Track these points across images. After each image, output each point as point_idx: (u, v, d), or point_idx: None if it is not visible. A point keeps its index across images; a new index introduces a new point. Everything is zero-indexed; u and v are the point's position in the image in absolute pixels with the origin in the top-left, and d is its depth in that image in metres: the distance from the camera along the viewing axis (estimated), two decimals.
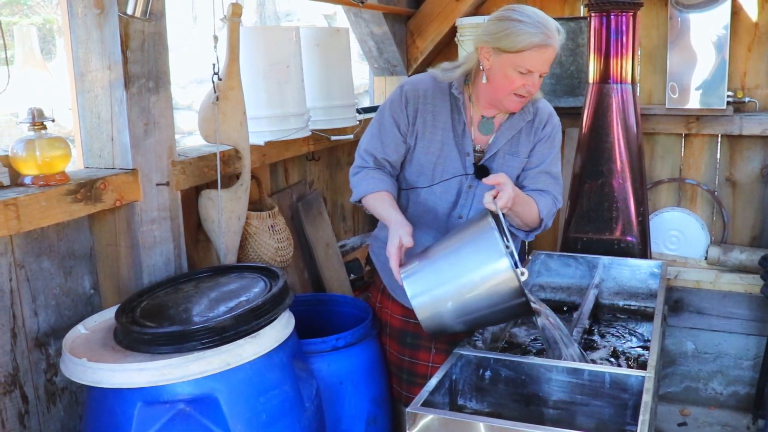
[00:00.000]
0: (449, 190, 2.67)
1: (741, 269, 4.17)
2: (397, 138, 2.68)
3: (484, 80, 2.55)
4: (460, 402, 2.33)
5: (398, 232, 2.41)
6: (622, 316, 3.07)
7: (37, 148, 2.11)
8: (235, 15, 2.67)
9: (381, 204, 2.60)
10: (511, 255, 2.22)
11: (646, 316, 3.03)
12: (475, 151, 2.66)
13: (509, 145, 2.65)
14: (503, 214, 2.31)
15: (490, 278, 2.21)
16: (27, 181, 2.13)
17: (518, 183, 2.65)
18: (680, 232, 4.48)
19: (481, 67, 2.56)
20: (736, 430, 4.03)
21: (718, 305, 4.11)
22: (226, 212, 2.74)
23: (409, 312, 2.81)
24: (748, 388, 4.12)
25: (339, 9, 4.89)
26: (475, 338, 2.51)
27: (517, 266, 2.18)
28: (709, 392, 4.23)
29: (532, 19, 2.41)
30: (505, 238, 2.21)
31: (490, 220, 2.24)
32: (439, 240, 2.43)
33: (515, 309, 2.27)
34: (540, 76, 2.48)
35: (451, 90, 2.66)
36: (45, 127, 2.18)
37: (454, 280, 2.26)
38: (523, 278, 2.17)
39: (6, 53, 2.13)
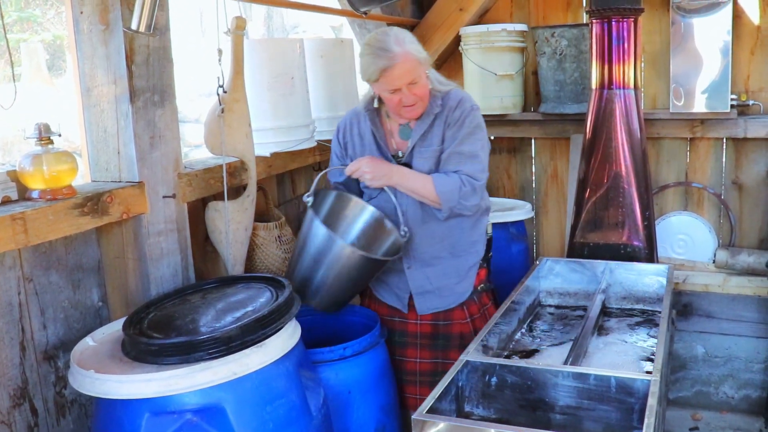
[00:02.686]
0: (388, 197, 2.90)
1: (749, 272, 4.16)
2: (342, 167, 2.98)
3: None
4: (467, 409, 2.33)
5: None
6: (630, 321, 3.07)
7: (44, 162, 2.14)
8: (238, 28, 2.70)
9: None
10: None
11: (653, 321, 3.03)
12: (397, 156, 2.92)
13: (422, 140, 2.86)
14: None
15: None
16: (35, 195, 2.16)
17: (439, 169, 2.84)
18: (687, 236, 4.47)
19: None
20: None
21: (728, 308, 4.10)
22: (233, 223, 2.76)
23: (393, 311, 3.05)
24: (760, 392, 4.11)
25: (345, 21, 4.91)
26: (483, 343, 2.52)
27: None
28: (721, 396, 4.21)
29: (373, 46, 2.68)
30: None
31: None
32: None
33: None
34: (412, 84, 2.69)
35: (366, 112, 2.95)
36: (52, 142, 2.20)
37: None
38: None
39: (13, 70, 2.17)
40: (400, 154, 2.91)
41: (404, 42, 2.67)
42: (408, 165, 2.87)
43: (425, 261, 2.94)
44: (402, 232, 2.85)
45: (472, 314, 2.99)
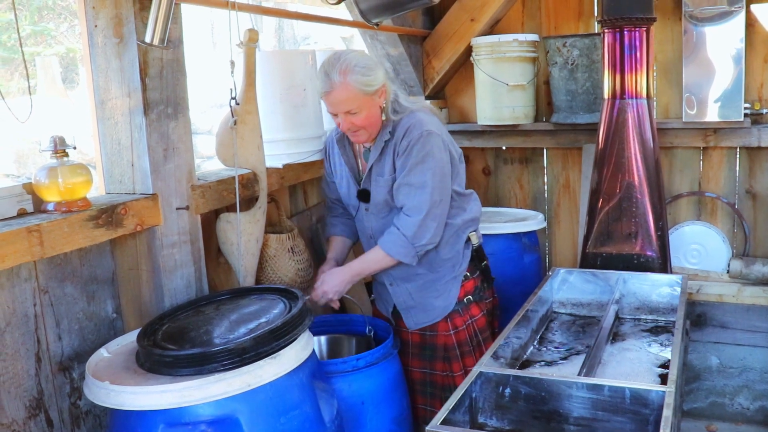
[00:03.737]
0: (360, 216, 3.04)
1: (764, 282, 4.13)
2: (331, 182, 3.15)
3: None
4: (481, 420, 2.33)
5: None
6: (643, 332, 3.06)
7: (59, 175, 2.16)
8: (251, 41, 2.71)
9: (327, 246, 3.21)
10: None
11: (667, 331, 3.02)
12: (361, 178, 2.98)
13: (376, 167, 2.89)
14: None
15: None
16: (50, 207, 2.17)
17: (396, 203, 2.88)
18: (701, 246, 4.46)
19: None
20: None
21: (742, 319, 4.07)
22: (244, 235, 2.77)
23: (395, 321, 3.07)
24: None
25: (356, 32, 4.93)
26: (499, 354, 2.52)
27: None
28: (736, 407, 4.18)
29: (322, 68, 2.73)
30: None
31: None
32: None
33: None
34: (349, 114, 2.72)
35: (335, 133, 3.04)
36: (67, 155, 2.22)
37: None
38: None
39: (29, 82, 2.19)
40: (363, 175, 2.96)
41: (349, 72, 2.66)
42: (366, 191, 2.94)
43: (405, 277, 2.97)
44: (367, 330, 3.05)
45: (456, 326, 2.98)
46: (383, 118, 2.81)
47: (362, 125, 2.76)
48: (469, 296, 3.02)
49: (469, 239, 3.02)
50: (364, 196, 2.95)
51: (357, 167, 3.00)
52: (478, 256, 3.06)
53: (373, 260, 2.92)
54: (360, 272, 2.97)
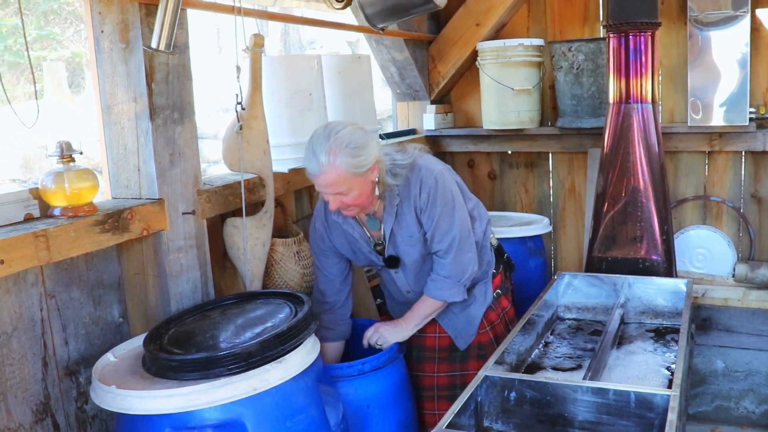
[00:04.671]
0: (386, 275, 3.00)
1: None
2: (332, 257, 2.92)
3: None
4: (486, 424, 2.33)
5: None
6: (649, 335, 3.06)
7: (66, 180, 2.17)
8: (257, 45, 2.72)
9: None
10: None
11: (672, 335, 3.02)
12: (376, 245, 2.87)
13: (399, 231, 2.79)
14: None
15: None
16: (56, 212, 2.18)
17: (430, 249, 2.82)
18: (706, 250, 4.45)
19: None
20: None
21: (747, 323, 4.06)
22: (250, 239, 2.78)
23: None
24: None
25: (362, 36, 4.94)
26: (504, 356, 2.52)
27: None
28: (741, 411, 4.17)
29: (311, 143, 2.55)
30: None
31: None
32: None
33: None
34: (339, 194, 2.57)
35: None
36: (73, 160, 2.23)
37: None
38: None
39: (35, 87, 2.19)
40: (379, 241, 2.86)
41: (339, 153, 2.50)
42: (393, 257, 2.85)
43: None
44: None
45: (491, 322, 3.00)
46: (377, 192, 2.70)
47: (353, 204, 2.62)
48: (498, 290, 3.08)
49: (491, 243, 3.08)
50: (392, 262, 2.88)
51: (367, 236, 2.87)
52: (499, 252, 3.13)
53: (427, 308, 2.87)
54: (417, 324, 2.90)
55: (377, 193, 2.70)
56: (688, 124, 4.19)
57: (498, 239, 3.22)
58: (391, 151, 2.78)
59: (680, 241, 4.43)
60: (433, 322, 2.97)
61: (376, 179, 2.66)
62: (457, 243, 2.76)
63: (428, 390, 3.03)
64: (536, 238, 4.20)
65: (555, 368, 2.74)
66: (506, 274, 3.18)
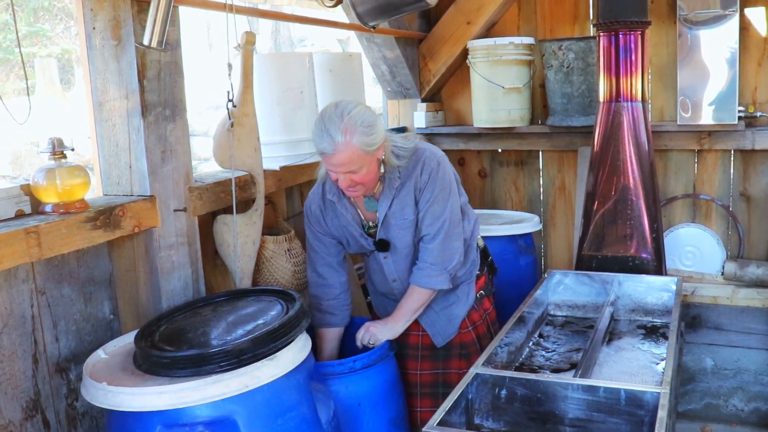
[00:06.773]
0: (374, 261, 2.96)
1: (758, 284, 4.15)
2: (327, 240, 2.92)
3: None
4: (477, 421, 2.34)
5: None
6: (639, 333, 3.07)
7: (57, 176, 2.17)
8: (248, 43, 2.72)
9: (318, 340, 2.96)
10: None
11: (662, 333, 3.03)
12: (369, 227, 2.87)
13: (394, 213, 2.80)
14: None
15: None
16: (48, 209, 2.18)
17: (419, 234, 2.83)
18: (696, 248, 4.47)
19: None
20: None
21: (736, 321, 4.09)
22: (241, 237, 2.78)
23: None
24: None
25: (352, 33, 4.94)
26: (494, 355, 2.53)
27: None
28: (730, 409, 4.19)
29: (323, 123, 2.55)
30: None
31: None
32: None
33: None
34: (351, 172, 2.59)
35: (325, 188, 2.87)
36: (65, 156, 2.23)
37: None
38: None
39: (27, 84, 2.19)
40: (372, 224, 2.86)
41: (354, 131, 2.53)
42: (385, 241, 2.85)
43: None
44: None
45: (474, 322, 3.01)
46: (381, 170, 2.72)
47: (361, 182, 2.65)
48: (482, 291, 3.08)
49: (477, 244, 3.08)
50: (382, 246, 2.87)
51: (360, 219, 2.87)
52: (484, 254, 3.14)
53: (415, 301, 2.87)
54: (408, 318, 2.91)
55: (382, 170, 2.73)
56: (678, 123, 4.21)
57: (488, 237, 3.23)
58: (392, 135, 2.83)
59: (670, 240, 4.45)
60: (416, 320, 2.98)
61: (382, 157, 2.70)
62: (446, 229, 2.77)
63: (411, 387, 3.04)
64: (527, 236, 4.21)
65: (545, 366, 2.75)
66: (489, 277, 3.19)
